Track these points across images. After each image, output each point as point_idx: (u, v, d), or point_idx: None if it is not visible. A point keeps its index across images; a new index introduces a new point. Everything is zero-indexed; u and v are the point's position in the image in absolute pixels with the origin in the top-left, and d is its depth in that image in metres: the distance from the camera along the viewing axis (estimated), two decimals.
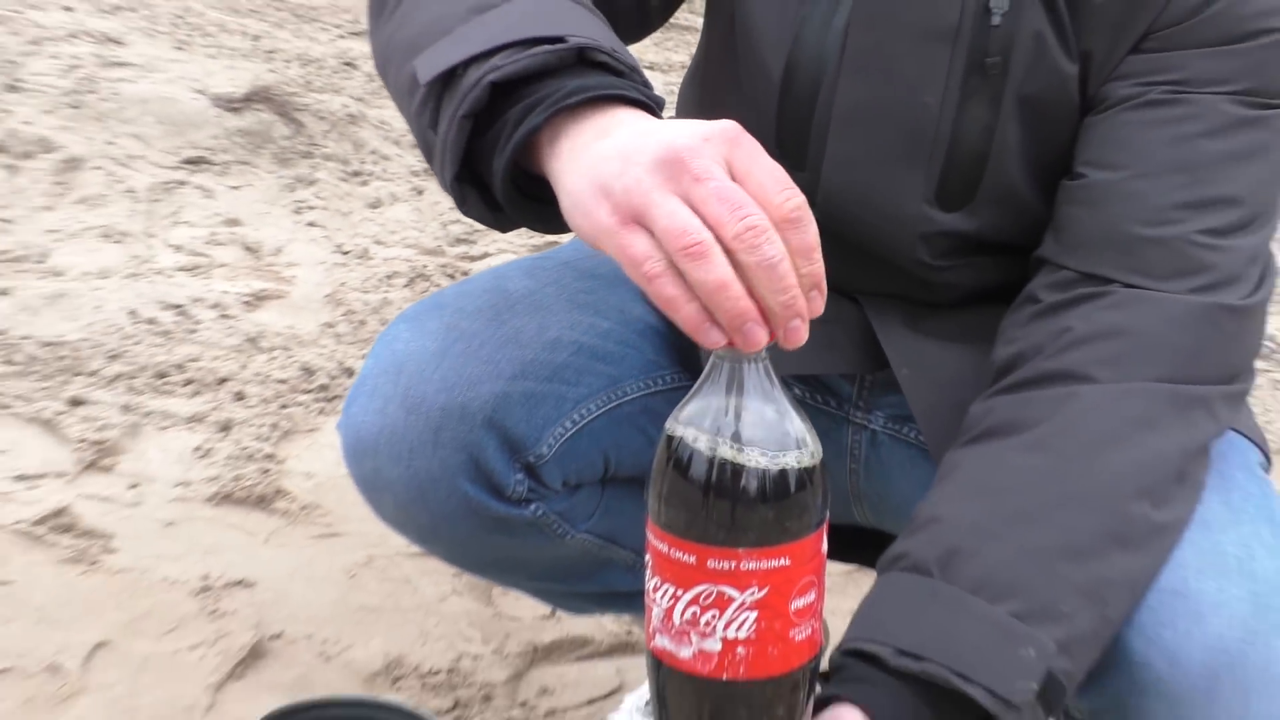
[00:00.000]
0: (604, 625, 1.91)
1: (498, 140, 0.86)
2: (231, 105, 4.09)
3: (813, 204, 0.91)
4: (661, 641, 0.84)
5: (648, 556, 0.84)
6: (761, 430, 0.81)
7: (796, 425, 0.82)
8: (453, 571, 2.02)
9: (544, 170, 0.86)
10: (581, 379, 1.24)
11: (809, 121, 1.20)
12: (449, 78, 0.87)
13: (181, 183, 3.64)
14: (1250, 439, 1.22)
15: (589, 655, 1.88)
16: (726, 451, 0.80)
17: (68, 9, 5.37)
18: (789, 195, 0.77)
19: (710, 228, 0.75)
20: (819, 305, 0.78)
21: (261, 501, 2.17)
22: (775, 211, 0.76)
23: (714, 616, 0.80)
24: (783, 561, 0.81)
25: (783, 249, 0.75)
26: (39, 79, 4.21)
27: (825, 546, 0.86)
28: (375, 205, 3.69)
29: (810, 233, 0.77)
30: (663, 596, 0.83)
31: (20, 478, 2.16)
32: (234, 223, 3.40)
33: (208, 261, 3.14)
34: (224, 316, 2.83)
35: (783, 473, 0.81)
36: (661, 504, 0.82)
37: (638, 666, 1.84)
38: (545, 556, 1.31)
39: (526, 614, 1.95)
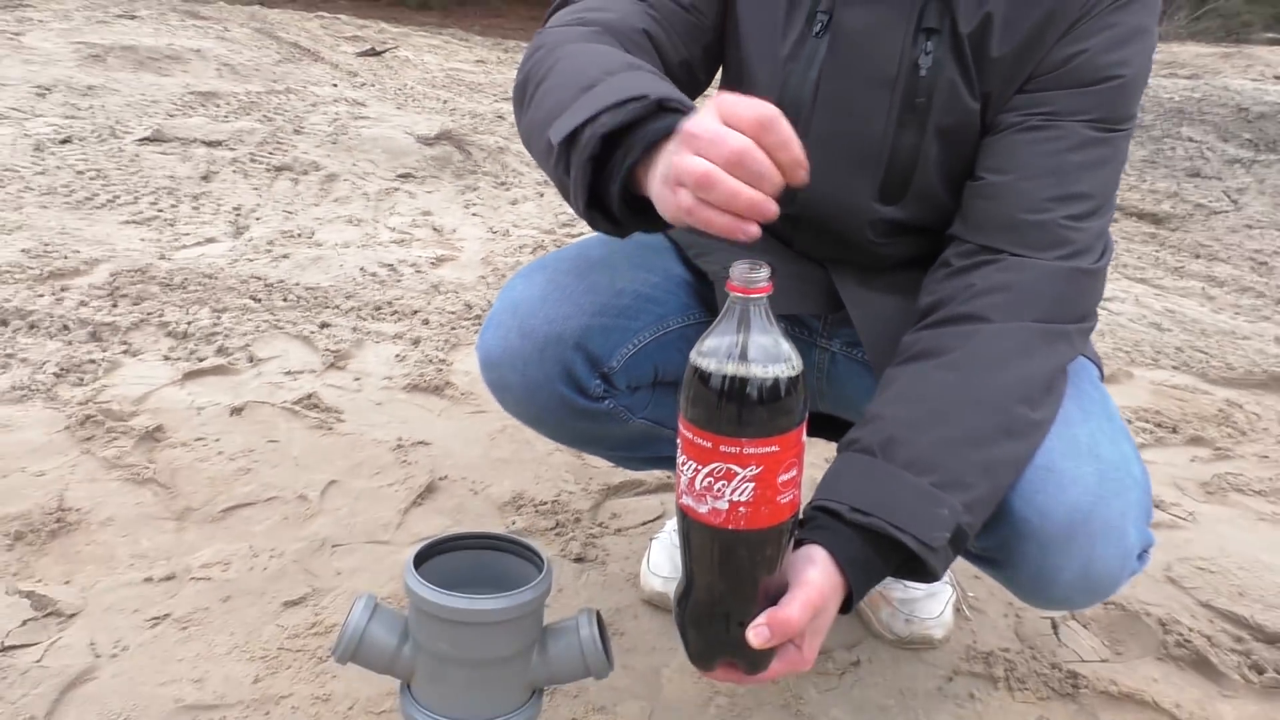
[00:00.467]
0: (653, 474, 1.76)
1: (612, 175, 0.82)
2: (428, 141, 3.97)
3: (795, 202, 0.97)
4: (686, 500, 0.79)
5: (679, 439, 0.79)
6: (759, 351, 0.76)
7: (785, 348, 0.77)
8: None
9: (646, 191, 0.82)
10: (639, 316, 1.14)
11: None
12: (572, 138, 0.82)
13: (396, 189, 3.52)
14: (1092, 360, 1.11)
15: (643, 492, 1.73)
16: (733, 367, 0.75)
17: (334, 85, 5.28)
18: (759, 111, 0.72)
19: (712, 162, 0.72)
20: (802, 176, 0.74)
21: (437, 389, 2.02)
22: (750, 126, 0.72)
23: (723, 485, 0.77)
24: (773, 448, 0.76)
25: (756, 154, 0.71)
26: (313, 126, 4.11)
27: (805, 437, 0.80)
28: (514, 203, 3.56)
29: (780, 130, 0.72)
30: (687, 468, 0.78)
31: (287, 372, 2.02)
32: (427, 214, 3.27)
33: (409, 238, 3.00)
34: (418, 271, 2.68)
35: (774, 381, 0.75)
36: (688, 404, 0.77)
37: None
38: (616, 435, 1.20)
39: (603, 465, 1.80)
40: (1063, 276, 0.98)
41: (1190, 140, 5.36)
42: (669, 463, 1.36)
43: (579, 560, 1.52)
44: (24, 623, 1.28)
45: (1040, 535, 0.94)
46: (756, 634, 0.79)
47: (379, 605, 0.99)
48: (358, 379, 2.03)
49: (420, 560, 0.99)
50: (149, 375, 1.95)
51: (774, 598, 0.81)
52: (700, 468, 0.77)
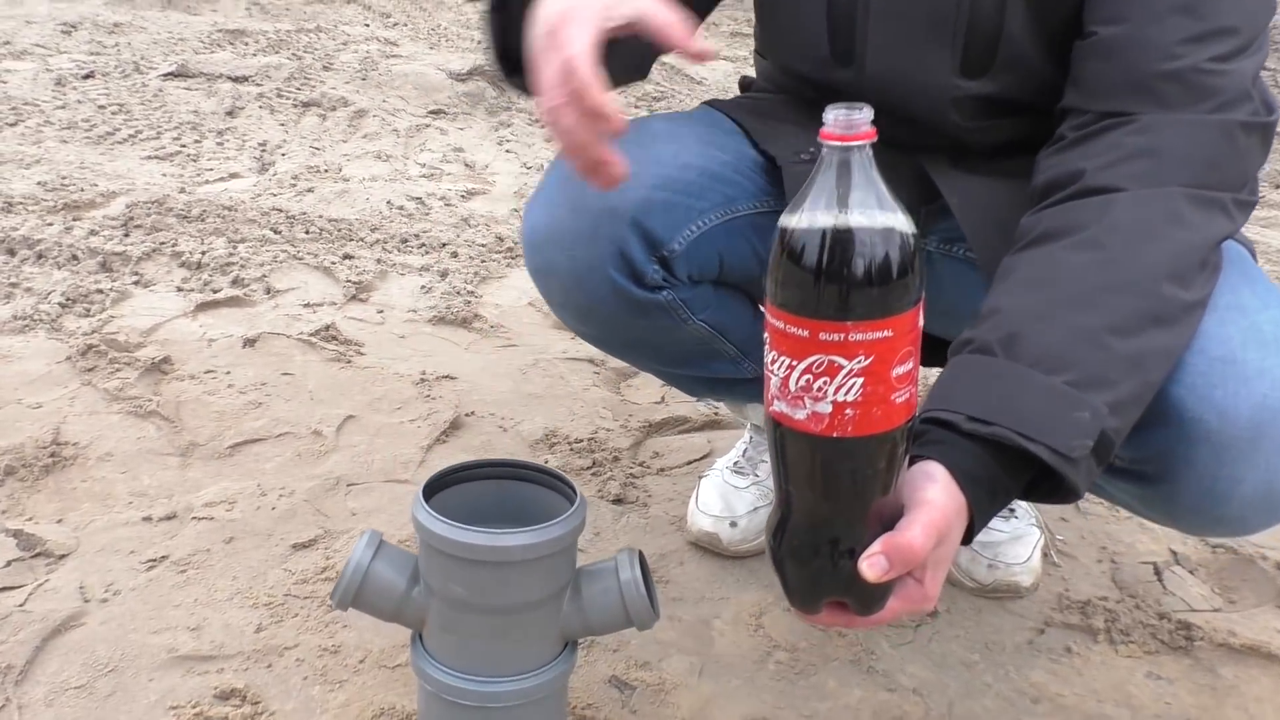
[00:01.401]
0: (698, 409, 1.61)
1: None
2: (460, 77, 3.80)
3: (862, 93, 0.83)
4: (779, 406, 0.63)
5: (765, 335, 0.63)
6: (864, 207, 0.59)
7: (895, 206, 0.60)
8: (593, 369, 1.73)
9: None
10: (705, 195, 0.98)
11: (852, 25, 0.94)
12: None
13: (427, 125, 3.36)
14: (1246, 247, 0.91)
15: (688, 430, 1.58)
16: (834, 222, 0.59)
17: (366, 25, 5.12)
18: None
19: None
20: (617, 124, 0.70)
21: (464, 322, 1.87)
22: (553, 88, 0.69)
23: (825, 383, 0.61)
24: (886, 334, 0.60)
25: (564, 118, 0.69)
26: (343, 63, 3.95)
27: (922, 321, 0.63)
28: (548, 139, 3.40)
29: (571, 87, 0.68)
30: (779, 368, 0.62)
31: (306, 304, 1.88)
32: (459, 150, 3.11)
33: (439, 173, 2.84)
34: (447, 205, 2.53)
35: (885, 247, 0.59)
36: (778, 287, 0.61)
37: (724, 438, 1.53)
38: (671, 341, 1.04)
39: (644, 400, 1.65)
40: (1214, 133, 0.79)
41: None
42: (725, 389, 1.21)
43: (618, 501, 1.37)
44: (8, 564, 1.16)
45: (1218, 438, 0.76)
46: (872, 565, 0.63)
47: (384, 543, 0.85)
48: (380, 311, 1.89)
49: (431, 491, 0.85)
50: (159, 306, 1.82)
51: (888, 523, 0.65)
52: (795, 364, 0.61)
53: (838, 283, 0.59)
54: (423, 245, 2.23)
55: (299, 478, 1.36)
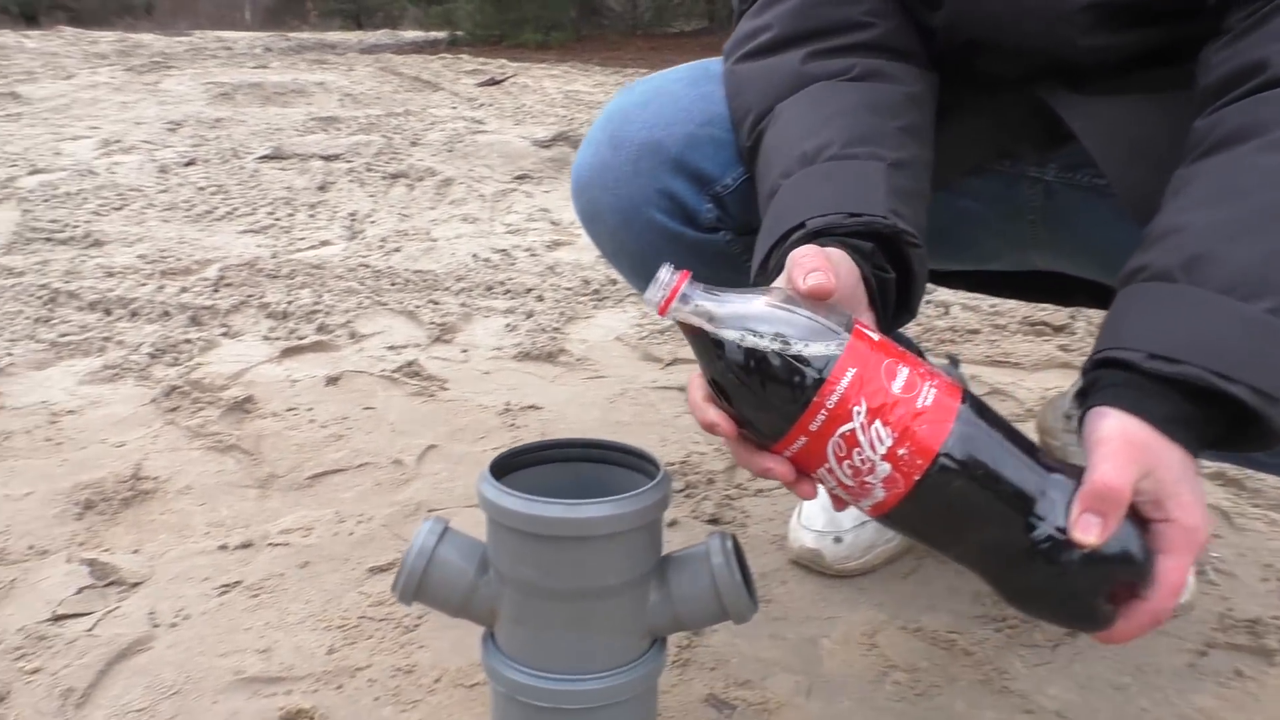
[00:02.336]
0: None
1: None
2: (544, 144, 3.85)
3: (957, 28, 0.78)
4: (866, 505, 0.61)
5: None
6: (726, 342, 0.61)
7: (738, 317, 0.62)
8: (684, 396, 1.65)
9: None
10: None
11: None
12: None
13: (513, 190, 3.38)
14: None
15: None
16: (717, 374, 0.62)
17: (453, 107, 5.27)
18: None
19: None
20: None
21: (550, 357, 1.82)
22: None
23: (859, 452, 0.59)
24: (849, 375, 0.59)
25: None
26: (431, 139, 4.05)
27: (874, 335, 0.61)
28: None
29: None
30: (828, 482, 0.62)
31: (390, 347, 1.85)
32: (544, 210, 3.11)
33: (525, 229, 2.85)
34: (533, 255, 2.51)
35: (764, 358, 0.60)
36: (756, 431, 0.63)
37: None
38: None
39: None
40: None
41: None
42: None
43: (714, 522, 1.27)
44: (80, 591, 1.12)
45: None
46: (1083, 527, 0.55)
47: (450, 529, 0.78)
48: (464, 350, 1.85)
49: (499, 472, 0.78)
50: (245, 354, 1.82)
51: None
52: (830, 467, 0.61)
53: (773, 397, 0.59)
54: (508, 291, 2.20)
55: (378, 505, 1.31)
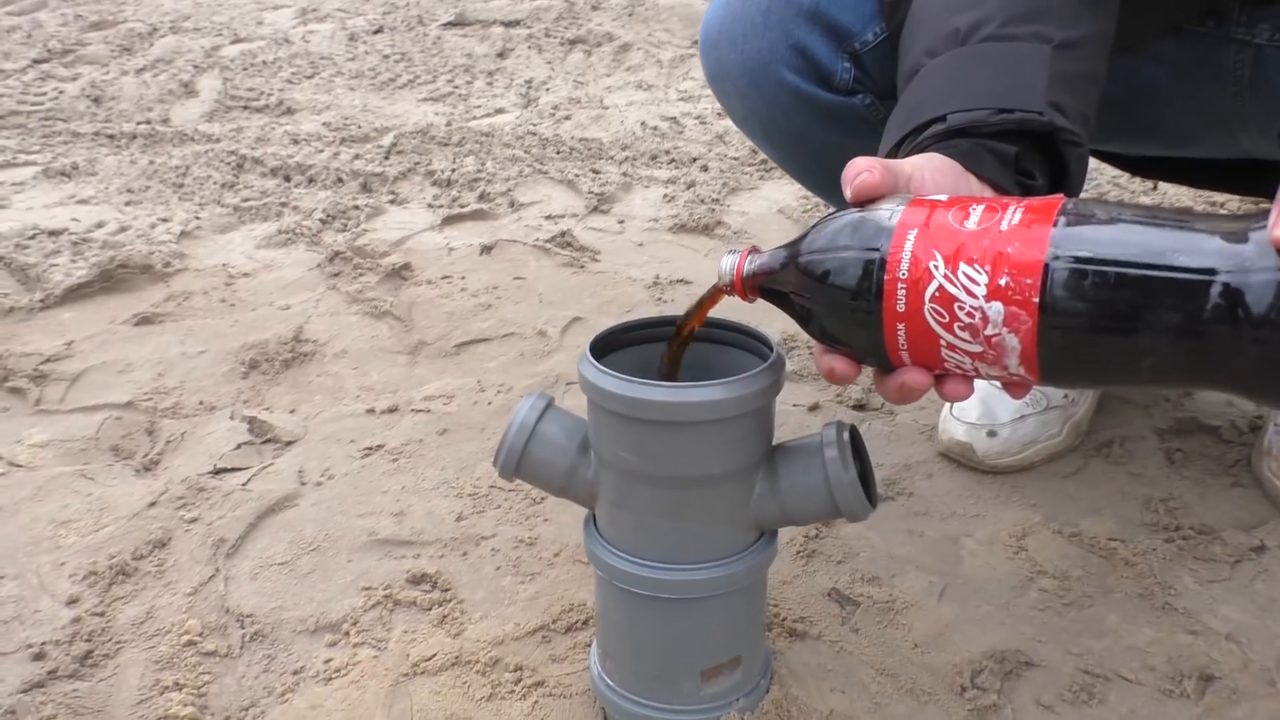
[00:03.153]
0: None
1: None
2: None
3: None
4: (1015, 365, 0.52)
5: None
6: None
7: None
8: None
9: None
10: None
11: None
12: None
13: (690, 54, 3.26)
14: None
15: None
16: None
17: None
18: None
19: None
20: None
21: (706, 229, 1.75)
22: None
23: (959, 306, 0.51)
24: (909, 243, 0.52)
25: None
26: (612, 2, 3.94)
27: (939, 197, 0.55)
28: None
29: None
30: (964, 363, 0.54)
31: (547, 216, 1.84)
32: None
33: (699, 95, 2.74)
34: (703, 123, 2.41)
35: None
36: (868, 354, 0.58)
37: None
38: None
39: None
40: None
41: None
42: None
43: (859, 408, 1.20)
44: (238, 447, 1.18)
45: None
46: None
47: (554, 405, 0.75)
48: (621, 221, 1.81)
49: (602, 350, 0.73)
50: (409, 221, 1.84)
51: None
52: (941, 336, 0.53)
53: (852, 300, 0.54)
54: (672, 160, 2.12)
55: (518, 375, 1.30)
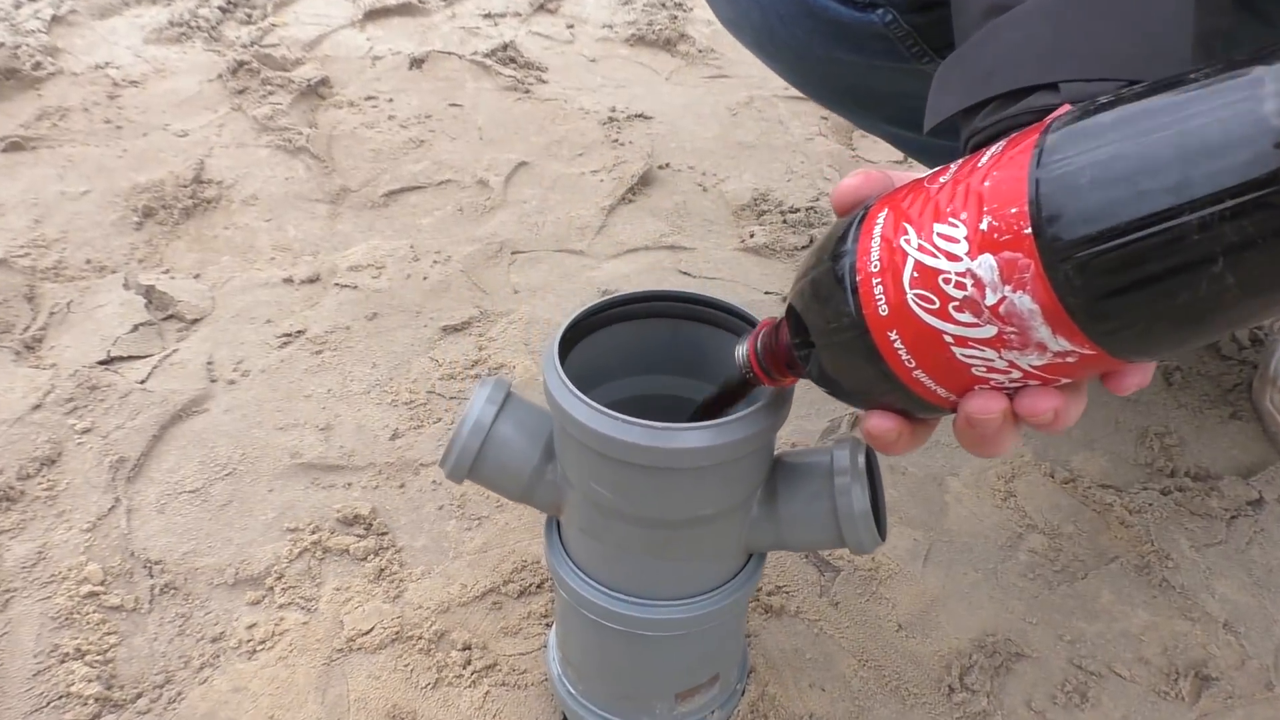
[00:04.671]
0: None
1: None
2: None
3: None
4: (1043, 333, 0.35)
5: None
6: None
7: None
8: (820, 113, 1.39)
9: None
10: None
11: None
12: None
13: None
14: None
15: None
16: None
17: None
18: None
19: None
20: None
21: (668, 44, 1.53)
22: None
23: (944, 278, 0.36)
24: (878, 226, 0.38)
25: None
26: None
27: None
28: None
29: None
30: (984, 353, 0.37)
31: (486, 15, 1.59)
32: None
33: None
34: None
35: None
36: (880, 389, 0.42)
37: None
38: (900, 92, 0.72)
39: (882, 157, 1.31)
40: None
41: None
42: None
43: None
44: (135, 329, 1.02)
45: None
46: None
47: (512, 395, 0.61)
48: (570, 26, 1.57)
49: (572, 339, 0.59)
50: (325, 14, 1.58)
51: None
52: (958, 334, 0.37)
53: (836, 313, 0.40)
54: None
55: (458, 239, 1.14)
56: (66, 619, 0.77)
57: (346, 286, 1.07)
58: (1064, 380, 0.38)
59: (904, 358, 0.39)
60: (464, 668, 0.73)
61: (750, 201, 1.20)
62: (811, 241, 1.14)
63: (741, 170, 1.26)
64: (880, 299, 0.38)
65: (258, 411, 0.93)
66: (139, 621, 0.77)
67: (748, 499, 0.57)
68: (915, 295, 0.37)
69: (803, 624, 0.76)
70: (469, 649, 0.74)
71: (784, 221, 1.17)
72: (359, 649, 0.74)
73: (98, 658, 0.75)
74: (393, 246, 1.13)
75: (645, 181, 1.23)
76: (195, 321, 1.04)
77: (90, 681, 0.73)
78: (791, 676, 0.72)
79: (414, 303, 1.05)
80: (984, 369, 0.38)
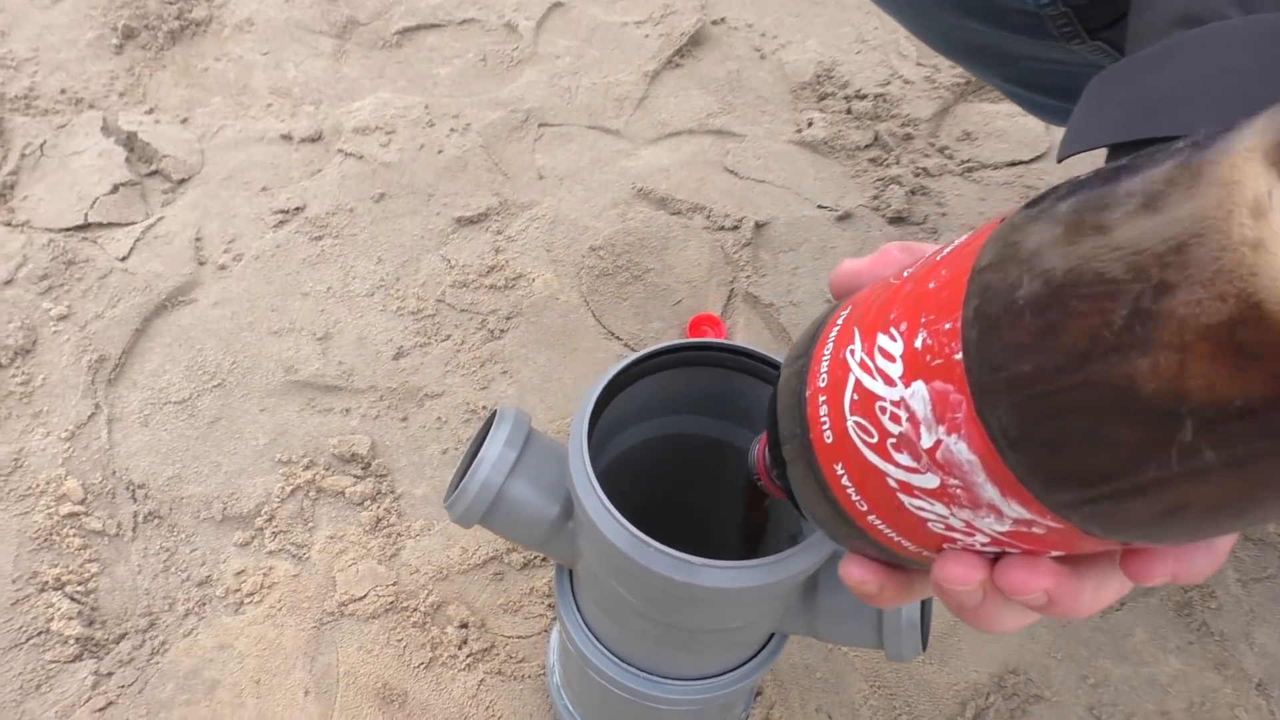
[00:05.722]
0: None
1: None
2: None
3: None
4: (978, 479, 0.24)
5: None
6: None
7: None
8: None
9: None
10: None
11: None
12: None
13: None
14: None
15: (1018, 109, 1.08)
16: None
17: None
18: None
19: None
20: None
21: None
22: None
23: (880, 404, 0.25)
24: (834, 333, 0.28)
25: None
26: None
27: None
28: None
29: None
30: (927, 508, 0.26)
31: None
32: None
33: None
34: None
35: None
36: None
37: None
38: (1031, 56, 0.62)
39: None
40: None
41: None
42: None
43: (897, 221, 0.96)
44: (115, 189, 0.91)
45: None
46: None
47: (530, 440, 0.53)
48: None
49: (612, 394, 0.50)
50: None
51: None
52: (901, 480, 0.26)
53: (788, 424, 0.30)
54: None
55: (479, 101, 1.01)
56: (46, 540, 0.73)
57: (351, 155, 0.95)
58: (1052, 552, 0.26)
59: (854, 498, 0.29)
60: (459, 648, 0.69)
61: (812, 79, 1.05)
62: (875, 140, 1.00)
63: (806, 34, 1.10)
64: (825, 422, 0.28)
65: (250, 309, 0.85)
66: (121, 549, 0.73)
67: (788, 595, 0.51)
68: (854, 423, 0.27)
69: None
70: (466, 627, 0.70)
71: (848, 111, 1.02)
72: (351, 615, 0.70)
73: (78, 588, 0.71)
74: (405, 104, 0.99)
75: (696, 41, 1.08)
76: (182, 182, 0.93)
77: (71, 619, 0.69)
78: (799, 698, 0.68)
79: (426, 183, 0.94)
80: (941, 526, 0.27)
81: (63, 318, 0.83)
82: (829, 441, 0.28)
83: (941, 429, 0.24)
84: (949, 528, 0.27)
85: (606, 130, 0.99)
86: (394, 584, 0.71)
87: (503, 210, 0.92)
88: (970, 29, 0.63)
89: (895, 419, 0.25)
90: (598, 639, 0.55)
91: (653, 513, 0.60)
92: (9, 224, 0.88)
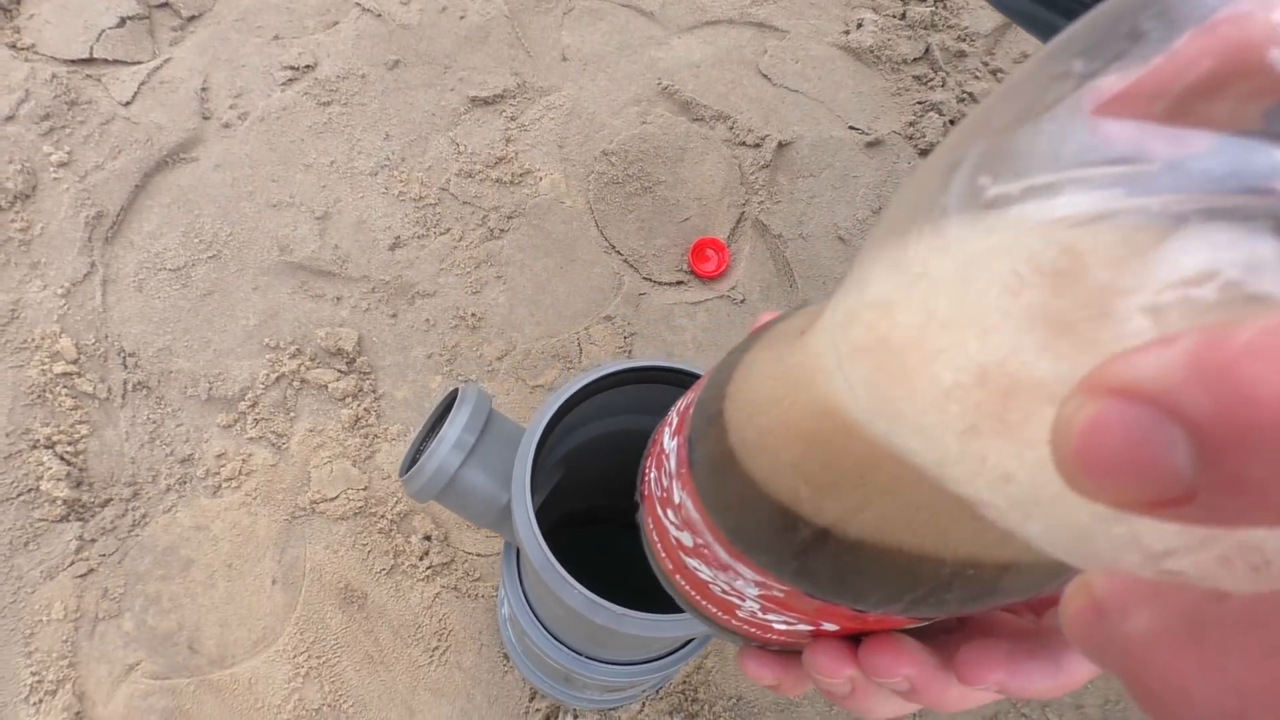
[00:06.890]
0: None
1: None
2: None
3: None
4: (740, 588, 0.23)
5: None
6: None
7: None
8: None
9: None
10: None
11: None
12: None
13: None
14: None
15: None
16: None
17: None
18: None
19: None
20: None
21: None
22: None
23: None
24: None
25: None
26: None
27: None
28: None
29: None
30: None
31: None
32: None
33: None
34: None
35: None
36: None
37: None
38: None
39: None
40: None
41: None
42: None
43: (929, 154, 0.90)
44: (123, 22, 0.86)
45: None
46: None
47: (490, 426, 0.52)
48: None
49: (566, 411, 0.49)
50: None
51: None
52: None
53: None
54: None
55: None
56: (39, 397, 0.74)
57: (369, 11, 0.89)
58: (823, 624, 0.23)
59: (661, 554, 0.27)
60: (420, 559, 0.72)
61: None
62: (926, 53, 0.92)
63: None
64: (650, 473, 0.27)
65: (251, 176, 0.82)
66: (111, 414, 0.75)
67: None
68: (653, 475, 0.27)
69: None
70: (429, 539, 0.72)
71: (902, 17, 0.94)
72: (321, 514, 0.73)
73: (69, 449, 0.73)
74: None
75: None
76: (192, 19, 0.88)
77: (59, 480, 0.72)
78: (731, 650, 0.71)
79: (444, 52, 0.88)
80: (719, 589, 0.25)
81: (63, 164, 0.80)
82: (645, 494, 0.28)
83: (678, 484, 0.24)
84: (725, 590, 0.25)
85: (641, 11, 0.92)
86: (365, 489, 0.73)
87: (520, 94, 0.87)
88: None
89: (665, 472, 0.25)
90: (541, 622, 0.57)
91: (610, 494, 0.60)
92: (13, 46, 0.84)
